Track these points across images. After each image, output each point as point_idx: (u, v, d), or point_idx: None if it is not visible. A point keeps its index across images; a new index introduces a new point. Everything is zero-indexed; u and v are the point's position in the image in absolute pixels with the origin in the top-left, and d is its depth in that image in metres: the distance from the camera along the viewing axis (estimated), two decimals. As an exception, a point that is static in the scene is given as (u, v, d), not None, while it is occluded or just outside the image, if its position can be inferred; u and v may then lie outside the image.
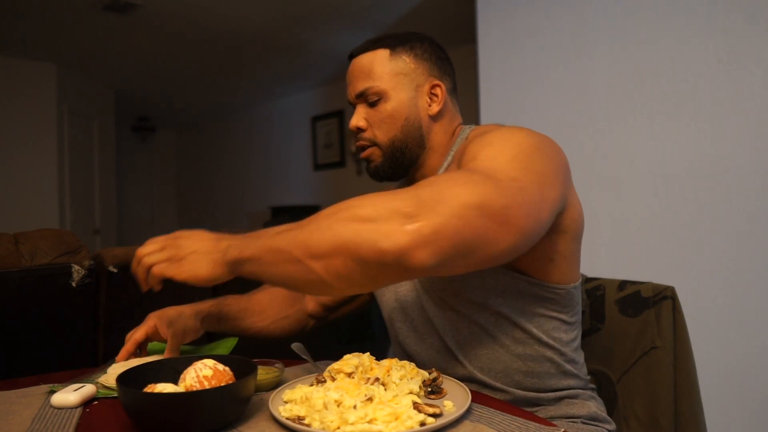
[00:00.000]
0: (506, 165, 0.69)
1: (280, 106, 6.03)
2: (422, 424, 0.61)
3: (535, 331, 0.86)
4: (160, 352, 0.96)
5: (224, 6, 3.40)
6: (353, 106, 0.94)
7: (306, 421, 0.63)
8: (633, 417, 0.99)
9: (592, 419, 0.88)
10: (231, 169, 6.77)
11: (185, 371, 0.71)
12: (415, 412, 0.62)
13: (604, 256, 2.14)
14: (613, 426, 0.90)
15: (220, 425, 0.65)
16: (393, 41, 0.91)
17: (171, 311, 0.95)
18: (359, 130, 0.92)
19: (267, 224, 1.38)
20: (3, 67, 4.19)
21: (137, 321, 0.96)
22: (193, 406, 0.64)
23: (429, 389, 0.74)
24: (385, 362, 0.76)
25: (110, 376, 0.82)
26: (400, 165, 0.92)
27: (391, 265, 0.59)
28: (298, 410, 0.66)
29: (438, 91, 0.91)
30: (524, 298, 0.85)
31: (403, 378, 0.73)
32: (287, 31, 3.90)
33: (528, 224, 0.66)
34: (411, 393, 0.68)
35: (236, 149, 6.69)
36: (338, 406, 0.64)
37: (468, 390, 0.72)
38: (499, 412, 0.69)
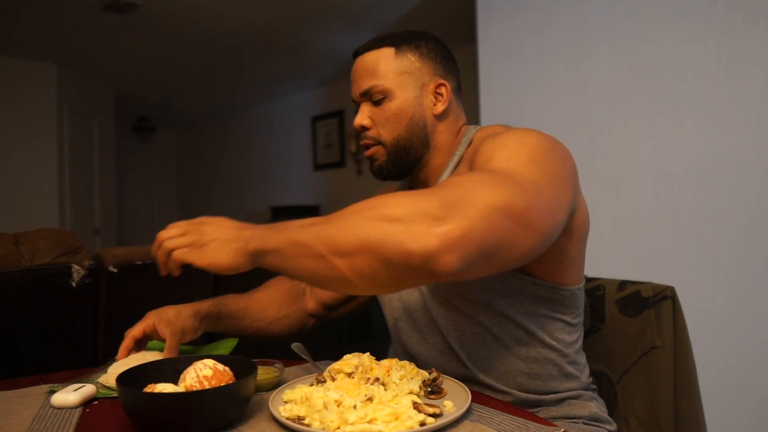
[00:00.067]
0: (523, 167, 0.69)
1: (280, 106, 6.03)
2: (422, 424, 0.61)
3: (538, 332, 0.86)
4: (161, 349, 0.96)
5: (224, 6, 3.40)
6: (357, 104, 0.93)
7: (306, 421, 0.63)
8: (633, 417, 0.99)
9: (593, 420, 0.87)
10: (231, 169, 6.77)
11: (185, 371, 0.71)
12: (415, 412, 0.62)
13: (604, 256, 2.14)
14: (614, 426, 0.90)
15: (220, 425, 0.65)
16: (398, 40, 0.90)
17: (170, 310, 0.95)
18: (363, 128, 0.92)
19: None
20: (3, 67, 4.19)
21: (137, 321, 0.96)
22: (193, 406, 0.64)
23: (429, 389, 0.73)
24: (385, 362, 0.76)
25: (110, 375, 0.82)
26: (404, 164, 0.92)
27: (417, 268, 0.57)
28: (298, 410, 0.66)
29: (443, 90, 0.91)
30: (529, 299, 0.84)
31: (403, 378, 0.73)
32: (287, 31, 3.89)
33: (547, 226, 0.66)
34: (411, 393, 0.68)
35: (236, 149, 6.69)
36: (338, 406, 0.64)
37: (468, 390, 0.72)
38: (499, 412, 0.69)
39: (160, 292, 1.71)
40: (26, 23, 3.59)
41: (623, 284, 1.05)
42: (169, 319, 0.93)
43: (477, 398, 0.74)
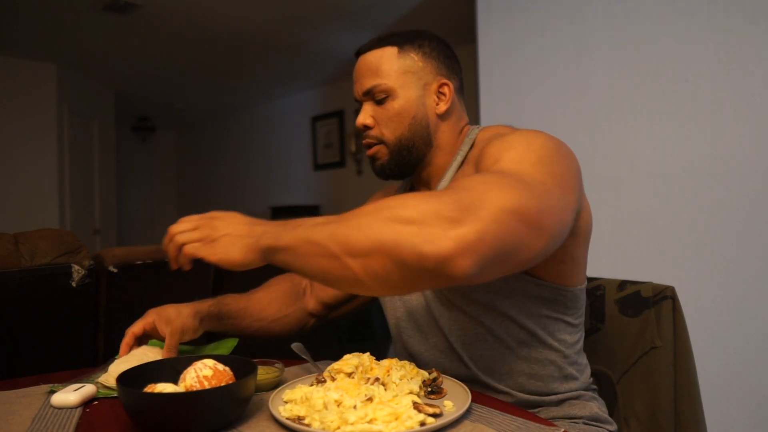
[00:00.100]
0: (532, 168, 0.69)
1: (280, 106, 6.03)
2: (422, 424, 0.61)
3: (540, 332, 0.86)
4: (161, 347, 0.96)
5: (224, 6, 3.40)
6: (359, 104, 0.93)
7: (306, 421, 0.63)
8: (633, 417, 0.99)
9: (594, 420, 0.87)
10: (231, 169, 6.77)
11: (185, 371, 0.71)
12: (415, 412, 0.62)
13: (604, 256, 2.14)
14: (614, 427, 0.90)
15: (220, 425, 0.65)
16: (401, 39, 0.90)
17: (170, 309, 0.95)
18: (366, 127, 0.92)
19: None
20: (3, 67, 4.19)
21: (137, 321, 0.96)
22: (193, 406, 0.64)
23: (429, 389, 0.73)
24: (385, 362, 0.76)
25: (111, 374, 0.82)
26: (407, 163, 0.92)
27: (432, 271, 0.56)
28: (298, 410, 0.66)
29: (446, 90, 0.91)
30: (531, 299, 0.84)
31: (403, 378, 0.73)
32: (287, 31, 3.90)
33: (556, 228, 0.66)
34: (411, 393, 0.68)
35: (236, 149, 6.69)
36: (338, 406, 0.64)
37: (468, 390, 0.72)
38: (499, 412, 0.69)
39: (160, 292, 1.71)
40: (26, 23, 3.59)
41: (623, 284, 1.05)
42: (169, 318, 0.93)
43: (477, 398, 0.74)
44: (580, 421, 0.86)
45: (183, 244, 0.71)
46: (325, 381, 0.74)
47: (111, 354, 0.86)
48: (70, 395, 0.74)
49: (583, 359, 0.94)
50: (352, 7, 3.44)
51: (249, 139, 6.49)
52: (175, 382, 0.71)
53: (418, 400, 0.65)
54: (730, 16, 1.87)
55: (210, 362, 0.71)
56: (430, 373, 0.77)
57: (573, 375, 0.89)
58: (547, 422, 0.66)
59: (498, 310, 0.84)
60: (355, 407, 0.62)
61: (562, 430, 0.63)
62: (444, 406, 0.67)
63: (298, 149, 5.77)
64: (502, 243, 0.58)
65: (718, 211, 1.90)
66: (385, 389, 0.69)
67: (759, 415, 1.80)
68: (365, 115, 0.91)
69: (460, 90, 0.95)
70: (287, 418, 0.65)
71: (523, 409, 0.76)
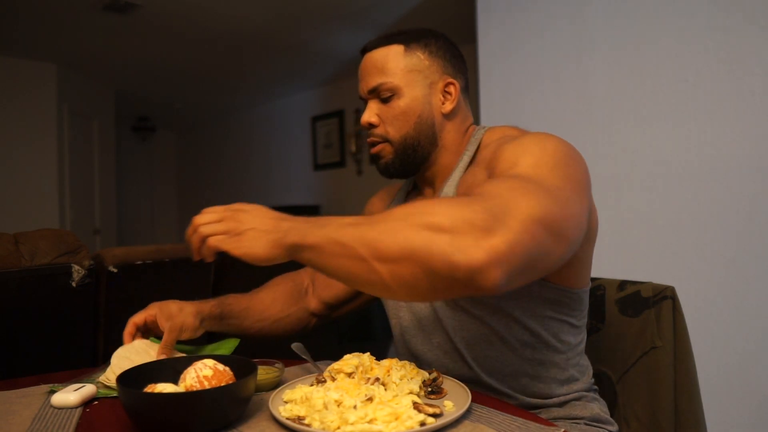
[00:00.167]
0: (549, 173, 0.69)
1: (280, 106, 6.03)
2: (422, 424, 0.61)
3: (543, 333, 0.85)
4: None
5: (224, 6, 3.40)
6: (364, 102, 0.93)
7: (306, 421, 0.63)
8: (633, 417, 0.99)
9: (595, 420, 0.87)
10: (231, 169, 6.76)
11: (185, 371, 0.71)
12: (415, 412, 0.62)
13: (604, 256, 2.14)
14: (615, 427, 0.90)
15: (220, 425, 0.65)
16: (407, 37, 0.90)
17: (172, 305, 0.94)
18: (371, 126, 0.91)
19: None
20: (3, 67, 4.19)
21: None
22: (193, 406, 0.64)
23: (429, 389, 0.73)
24: (385, 362, 0.76)
25: (111, 370, 0.82)
26: (412, 162, 0.91)
27: (461, 281, 0.56)
28: (298, 410, 0.66)
29: (452, 89, 0.90)
30: (536, 300, 0.84)
31: (403, 378, 0.73)
32: (287, 31, 3.89)
33: (575, 234, 0.66)
34: (411, 393, 0.68)
35: (236, 149, 6.69)
36: (338, 406, 0.64)
37: (468, 390, 0.72)
38: (499, 412, 0.69)
39: (160, 292, 1.70)
40: (26, 23, 3.59)
41: (623, 284, 1.05)
42: (171, 314, 0.92)
43: (477, 398, 0.74)
44: (581, 421, 0.86)
45: (207, 236, 0.69)
46: (325, 381, 0.74)
47: (111, 354, 0.86)
48: (70, 395, 0.74)
49: (585, 361, 0.93)
50: (352, 7, 3.44)
51: (249, 139, 6.48)
52: (175, 382, 0.71)
53: (418, 400, 0.65)
54: (730, 16, 1.87)
55: (210, 362, 0.71)
56: (430, 373, 0.77)
57: (575, 377, 0.89)
58: (548, 422, 0.66)
59: (503, 311, 0.84)
60: (355, 407, 0.62)
61: (563, 430, 0.63)
62: (444, 406, 0.67)
63: (298, 149, 5.77)
64: (530, 253, 0.58)
65: (718, 211, 1.89)
66: (385, 389, 0.69)
67: (759, 415, 1.80)
68: (370, 113, 0.91)
69: (466, 90, 0.95)
70: (287, 418, 0.65)
71: (523, 409, 0.76)
